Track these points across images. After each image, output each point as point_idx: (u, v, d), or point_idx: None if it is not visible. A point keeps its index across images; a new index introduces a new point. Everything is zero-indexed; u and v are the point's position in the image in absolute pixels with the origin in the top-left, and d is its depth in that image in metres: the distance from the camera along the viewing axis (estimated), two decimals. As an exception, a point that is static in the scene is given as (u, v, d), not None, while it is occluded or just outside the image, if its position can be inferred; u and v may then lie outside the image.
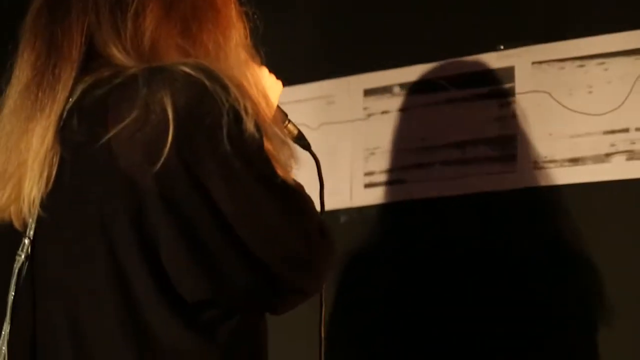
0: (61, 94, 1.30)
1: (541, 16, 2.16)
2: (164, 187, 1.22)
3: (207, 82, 1.23)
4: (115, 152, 1.23)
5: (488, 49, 2.21)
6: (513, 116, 2.17)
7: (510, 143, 2.16)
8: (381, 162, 2.29)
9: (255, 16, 1.40)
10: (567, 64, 2.13)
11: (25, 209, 1.29)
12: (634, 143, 2.04)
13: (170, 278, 1.24)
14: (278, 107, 1.45)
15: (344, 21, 2.36)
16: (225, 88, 1.24)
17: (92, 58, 1.32)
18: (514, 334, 2.09)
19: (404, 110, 2.29)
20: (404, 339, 2.22)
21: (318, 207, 1.39)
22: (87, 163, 1.26)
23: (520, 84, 2.17)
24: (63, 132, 1.29)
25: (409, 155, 2.27)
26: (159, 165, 1.21)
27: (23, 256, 1.30)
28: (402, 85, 2.30)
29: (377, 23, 2.34)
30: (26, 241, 1.30)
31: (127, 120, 1.22)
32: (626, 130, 2.06)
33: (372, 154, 2.31)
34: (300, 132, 1.51)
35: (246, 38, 1.39)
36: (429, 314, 2.19)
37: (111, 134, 1.23)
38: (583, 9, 2.12)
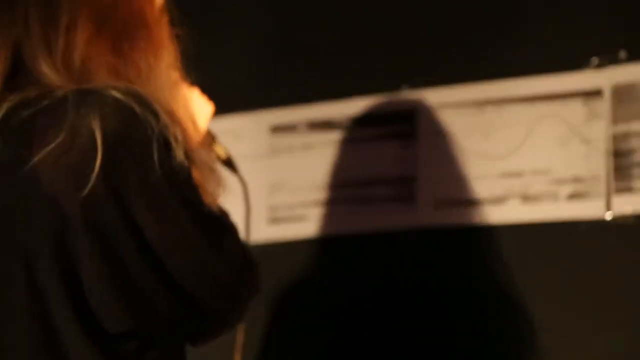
0: None
1: (443, 60, 2.21)
2: (89, 214, 1.19)
3: (137, 108, 1.21)
4: (40, 176, 1.19)
5: (391, 89, 2.24)
6: (414, 157, 2.21)
7: (410, 183, 2.20)
8: (284, 199, 2.31)
9: (187, 38, 1.39)
10: (467, 107, 2.17)
11: None
12: (528, 187, 2.09)
13: (91, 309, 1.22)
14: (207, 129, 1.44)
15: (253, 57, 2.38)
16: (155, 114, 1.21)
17: (19, 73, 1.27)
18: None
19: (308, 147, 2.31)
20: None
21: (244, 232, 1.39)
22: (10, 187, 1.22)
23: (422, 126, 2.21)
24: None
25: (311, 192, 2.29)
26: (85, 191, 1.18)
27: None
28: (307, 124, 2.32)
29: (285, 60, 2.36)
30: None
31: (53, 144, 1.19)
32: (521, 173, 2.11)
33: (277, 190, 2.33)
34: (229, 155, 1.50)
35: (177, 59, 1.37)
36: (326, 353, 2.21)
37: (36, 158, 1.19)
38: (483, 54, 2.17)
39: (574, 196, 2.06)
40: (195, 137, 1.33)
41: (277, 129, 2.35)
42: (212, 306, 1.27)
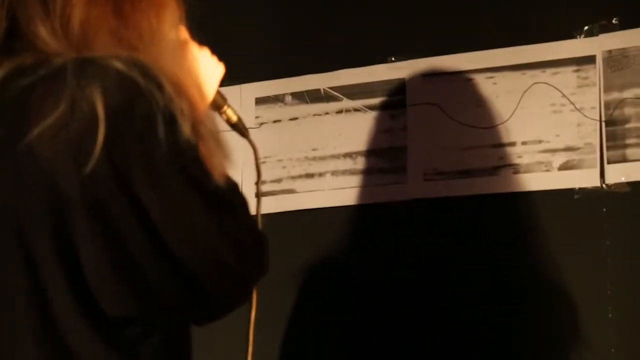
0: None
1: (431, 30, 2.18)
2: (89, 193, 1.13)
3: (141, 80, 1.14)
4: (37, 152, 1.12)
5: (379, 60, 2.22)
6: (403, 128, 2.18)
7: (400, 154, 2.18)
8: (272, 172, 2.29)
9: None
10: (457, 77, 2.15)
11: None
12: (520, 157, 2.08)
13: (92, 292, 1.15)
14: (218, 91, 1.39)
15: (236, 29, 2.35)
16: (160, 87, 1.14)
17: (13, 37, 1.20)
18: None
19: (295, 119, 2.29)
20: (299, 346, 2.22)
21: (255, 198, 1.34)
22: (5, 163, 1.16)
23: (411, 96, 2.19)
24: None
25: (299, 164, 2.27)
26: (85, 168, 1.11)
27: None
28: (293, 95, 2.29)
29: (270, 32, 2.33)
30: None
31: (51, 118, 1.12)
32: (513, 144, 2.09)
33: (263, 162, 2.30)
34: (239, 119, 1.45)
35: (181, 18, 1.29)
36: (313, 324, 2.19)
37: (34, 132, 1.12)
38: (472, 23, 2.15)
39: (566, 166, 2.05)
40: (202, 104, 1.26)
41: (263, 101, 2.32)
42: (217, 288, 1.21)
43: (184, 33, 1.31)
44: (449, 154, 2.14)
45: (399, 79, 2.20)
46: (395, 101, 2.20)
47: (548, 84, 2.08)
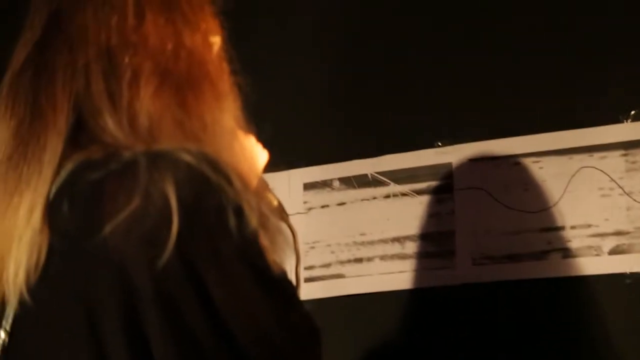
0: (47, 169, 1.20)
1: (478, 114, 2.20)
2: (160, 286, 1.14)
3: (211, 174, 1.15)
4: (110, 245, 1.14)
5: (426, 145, 2.24)
6: (451, 212, 2.19)
7: (448, 239, 2.18)
8: (321, 257, 2.30)
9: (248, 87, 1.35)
10: (503, 161, 2.16)
11: (6, 296, 1.19)
12: (569, 241, 2.07)
13: None
14: (260, 177, 1.41)
15: (284, 115, 2.38)
16: (229, 181, 1.16)
17: (80, 129, 1.23)
18: None
19: (343, 204, 2.30)
20: None
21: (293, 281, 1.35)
22: (78, 256, 1.17)
23: (458, 181, 2.20)
24: (52, 216, 1.19)
25: (348, 249, 2.28)
26: (158, 262, 1.12)
27: None
28: (341, 180, 2.31)
29: (317, 118, 2.36)
30: (2, 334, 1.22)
31: (124, 212, 1.13)
32: (562, 228, 2.09)
33: (312, 247, 2.31)
34: (279, 203, 1.48)
35: (238, 108, 1.32)
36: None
37: (107, 227, 1.14)
38: (518, 108, 2.16)
39: (616, 250, 2.04)
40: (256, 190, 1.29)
41: (311, 186, 2.34)
42: None
43: (235, 123, 1.33)
44: (497, 238, 2.14)
45: (445, 164, 2.22)
46: (443, 185, 2.21)
47: (596, 168, 2.08)
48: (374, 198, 2.27)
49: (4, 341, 1.22)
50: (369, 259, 2.25)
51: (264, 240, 1.23)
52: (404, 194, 2.25)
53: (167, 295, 1.14)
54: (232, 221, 1.15)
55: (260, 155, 1.41)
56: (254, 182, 1.31)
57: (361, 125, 2.31)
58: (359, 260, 2.26)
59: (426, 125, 2.24)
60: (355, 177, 2.30)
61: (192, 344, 1.16)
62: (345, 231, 2.29)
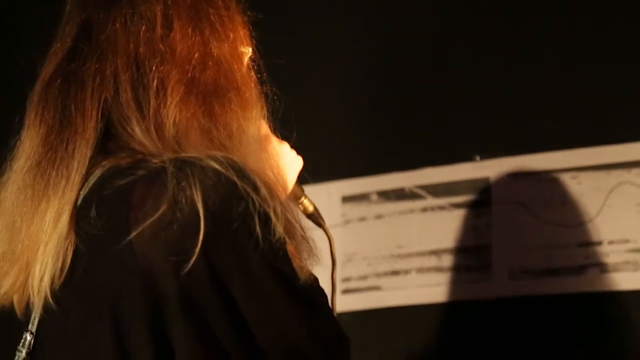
0: (76, 175, 1.22)
1: (516, 129, 2.20)
2: (186, 291, 1.16)
3: (238, 182, 1.17)
4: (137, 250, 1.16)
5: (464, 159, 2.24)
6: (488, 226, 2.19)
7: (485, 253, 2.19)
8: (358, 269, 2.31)
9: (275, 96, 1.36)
10: (541, 176, 2.16)
11: (31, 299, 1.21)
12: (607, 256, 2.07)
13: None
14: (295, 183, 1.42)
15: (324, 129, 2.40)
16: (255, 188, 1.18)
17: (109, 137, 1.25)
18: None
19: (380, 217, 2.31)
20: None
21: (328, 286, 1.35)
22: (105, 260, 1.19)
23: (496, 195, 2.20)
24: (79, 221, 1.21)
25: (385, 262, 2.29)
26: (185, 269, 1.14)
27: (24, 352, 1.23)
28: (379, 193, 2.33)
29: (357, 131, 2.37)
30: (28, 336, 1.24)
31: (152, 218, 1.15)
32: (599, 243, 2.08)
33: (349, 260, 2.33)
34: (315, 209, 1.49)
35: (265, 115, 1.34)
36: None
37: (134, 233, 1.15)
38: (556, 123, 2.16)
39: (653, 265, 2.04)
40: (284, 197, 1.29)
41: (349, 199, 2.35)
42: None
43: (264, 128, 1.35)
44: (534, 252, 2.14)
45: (483, 178, 2.22)
46: (480, 200, 2.22)
47: (634, 184, 2.08)
48: (412, 211, 2.28)
49: (29, 343, 1.24)
50: (406, 272, 2.26)
51: (291, 247, 1.24)
52: (441, 208, 2.25)
53: (193, 301, 1.16)
54: (258, 228, 1.17)
55: (294, 161, 1.42)
56: (282, 189, 1.32)
57: (399, 138, 2.32)
58: (395, 272, 2.27)
59: (464, 139, 2.25)
60: (393, 190, 2.31)
61: (217, 350, 1.17)
62: (382, 244, 2.30)
